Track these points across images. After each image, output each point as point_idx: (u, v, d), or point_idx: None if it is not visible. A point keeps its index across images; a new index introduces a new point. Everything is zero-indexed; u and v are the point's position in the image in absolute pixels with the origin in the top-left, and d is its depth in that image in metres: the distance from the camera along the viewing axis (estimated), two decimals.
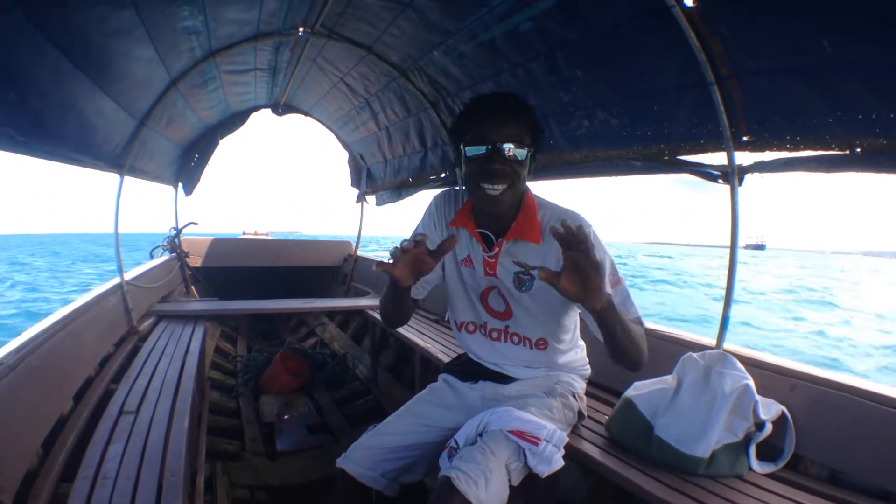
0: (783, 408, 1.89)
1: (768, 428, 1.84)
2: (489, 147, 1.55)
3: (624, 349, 1.54)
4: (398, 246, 1.47)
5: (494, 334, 1.87)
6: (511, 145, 1.54)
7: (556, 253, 1.42)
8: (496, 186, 1.56)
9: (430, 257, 1.50)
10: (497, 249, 1.74)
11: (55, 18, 1.76)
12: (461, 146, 1.62)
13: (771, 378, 2.00)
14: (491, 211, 1.69)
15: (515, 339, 1.85)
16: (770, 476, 1.83)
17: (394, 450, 1.79)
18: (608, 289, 1.55)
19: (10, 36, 1.58)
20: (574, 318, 1.85)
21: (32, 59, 1.76)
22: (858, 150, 1.75)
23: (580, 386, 1.95)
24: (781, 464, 1.86)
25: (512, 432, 1.56)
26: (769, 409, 1.87)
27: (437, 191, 1.98)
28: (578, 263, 1.30)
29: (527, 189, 1.73)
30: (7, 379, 1.77)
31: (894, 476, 1.65)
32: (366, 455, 1.76)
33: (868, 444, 1.71)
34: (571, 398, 1.87)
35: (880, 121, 1.65)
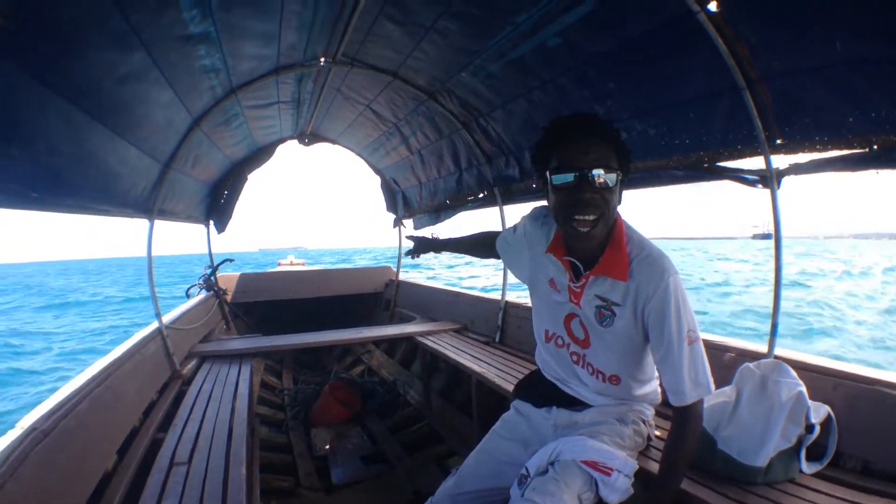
0: (828, 408, 1.99)
1: (817, 430, 1.93)
2: (577, 174, 1.54)
3: None
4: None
5: (574, 357, 1.88)
6: (600, 171, 1.53)
7: (639, 291, 1.60)
8: (587, 218, 1.56)
9: None
10: (584, 281, 1.74)
11: (56, 68, 1.78)
12: (547, 174, 1.62)
13: (816, 379, 2.09)
14: (579, 248, 1.72)
15: (590, 369, 1.85)
16: (815, 475, 1.93)
17: (477, 495, 1.85)
18: (685, 345, 1.59)
19: (7, 89, 1.60)
20: (650, 357, 1.82)
21: (36, 111, 1.79)
22: (875, 147, 1.83)
23: (650, 413, 1.96)
24: (826, 462, 1.96)
25: (585, 462, 1.58)
26: (818, 412, 1.96)
27: (477, 210, 2.08)
28: None
29: (617, 217, 1.71)
30: (42, 444, 1.75)
31: None
32: None
33: None
34: (642, 424, 1.89)
35: (889, 119, 1.75)
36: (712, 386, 1.64)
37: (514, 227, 2.09)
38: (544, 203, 1.85)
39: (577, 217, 1.56)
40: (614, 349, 1.77)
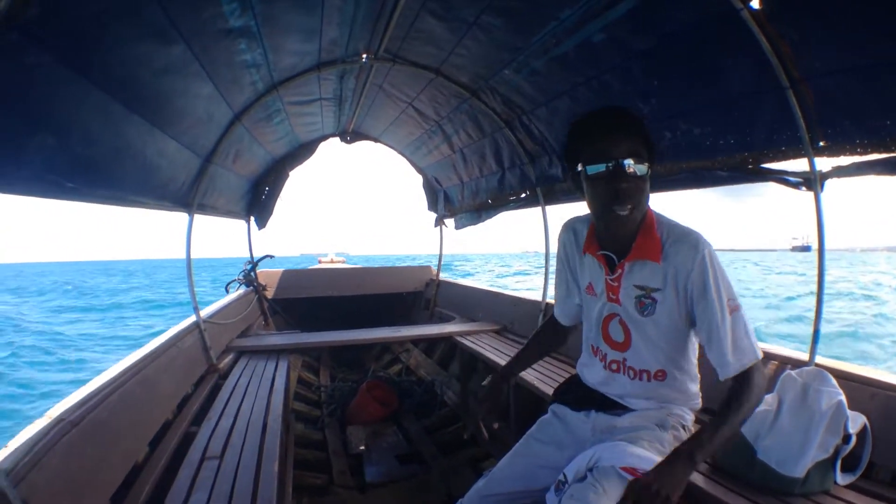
0: (864, 418, 1.96)
1: (853, 440, 1.91)
2: (610, 165, 1.56)
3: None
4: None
5: (614, 366, 1.86)
6: (631, 161, 1.56)
7: (678, 269, 1.60)
8: (625, 206, 1.59)
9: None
10: (620, 272, 1.74)
11: (92, 59, 1.79)
12: (579, 166, 1.64)
13: (855, 388, 2.06)
14: (618, 233, 1.71)
15: (631, 373, 1.81)
16: (848, 486, 1.92)
17: (510, 496, 1.83)
18: (727, 315, 1.57)
19: (41, 79, 1.62)
20: (695, 345, 1.80)
21: (71, 101, 1.81)
22: None
23: (690, 418, 1.90)
24: (859, 473, 1.94)
25: (624, 469, 1.54)
26: (855, 422, 1.94)
27: (518, 210, 2.02)
28: None
29: (647, 206, 1.72)
30: (69, 435, 1.77)
31: None
32: None
33: None
34: (682, 430, 1.83)
35: None
36: (759, 351, 1.59)
37: (557, 258, 2.09)
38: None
39: (614, 207, 1.59)
40: (657, 340, 1.74)
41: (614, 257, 1.75)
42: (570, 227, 1.97)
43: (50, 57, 1.59)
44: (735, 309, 1.58)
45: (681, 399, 1.85)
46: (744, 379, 1.56)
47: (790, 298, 29.82)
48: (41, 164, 1.76)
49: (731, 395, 1.55)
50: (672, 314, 1.67)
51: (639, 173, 1.57)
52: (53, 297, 42.50)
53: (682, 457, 1.42)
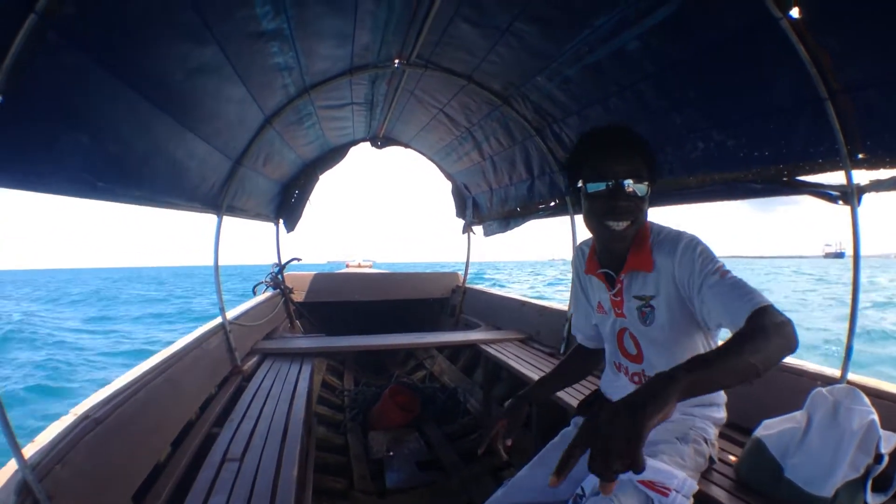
0: None
1: (885, 460, 1.84)
2: (610, 183, 1.59)
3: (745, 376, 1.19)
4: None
5: (636, 378, 1.88)
6: (631, 181, 1.58)
7: (664, 266, 1.63)
8: (620, 223, 1.61)
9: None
10: (619, 286, 1.78)
11: (125, 59, 1.82)
12: (579, 182, 1.67)
13: (889, 407, 2.00)
14: (614, 248, 1.74)
15: None
16: None
17: None
18: (719, 277, 1.49)
19: (76, 79, 1.65)
20: (709, 344, 1.76)
21: (104, 100, 1.84)
22: None
23: (713, 432, 1.87)
24: (891, 493, 1.86)
25: (642, 482, 1.52)
26: (889, 442, 1.87)
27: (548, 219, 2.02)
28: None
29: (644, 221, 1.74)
30: (94, 433, 1.80)
31: None
32: None
33: None
34: (704, 444, 1.80)
35: None
36: (764, 298, 1.37)
37: (572, 281, 2.17)
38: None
39: (609, 221, 1.62)
40: (666, 346, 1.74)
41: (612, 274, 1.79)
42: (580, 249, 2.04)
43: (87, 57, 1.63)
44: (726, 273, 1.51)
45: (703, 411, 1.84)
46: (758, 317, 1.31)
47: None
48: (76, 163, 1.80)
49: (745, 329, 1.29)
50: (674, 317, 1.68)
51: (639, 193, 1.60)
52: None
53: (658, 378, 1.08)
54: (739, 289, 1.44)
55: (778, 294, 38.26)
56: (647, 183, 1.61)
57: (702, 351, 1.74)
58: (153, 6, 1.77)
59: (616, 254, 1.76)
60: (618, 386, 1.94)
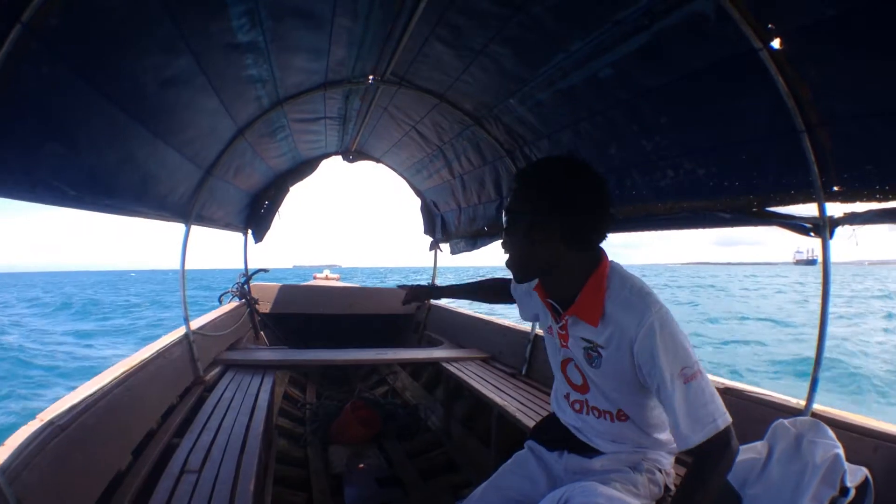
0: (866, 471, 1.85)
1: (852, 493, 1.81)
2: (505, 217, 1.68)
3: None
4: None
5: (577, 406, 1.85)
6: (513, 214, 1.63)
7: (623, 333, 1.53)
8: (506, 254, 1.68)
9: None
10: (564, 321, 1.73)
11: (103, 70, 1.83)
12: None
13: (855, 440, 1.99)
14: (556, 283, 1.71)
15: (595, 412, 1.79)
16: None
17: None
18: (679, 385, 1.45)
19: (54, 88, 1.66)
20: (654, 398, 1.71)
21: (80, 110, 1.84)
22: None
23: (668, 461, 1.86)
24: None
25: None
26: (855, 475, 1.84)
27: None
28: None
29: (602, 259, 1.65)
30: (58, 439, 1.80)
31: None
32: None
33: None
34: (658, 473, 1.80)
35: None
36: (721, 420, 1.45)
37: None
38: None
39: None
40: (612, 385, 1.70)
41: (559, 308, 1.73)
42: None
43: (65, 66, 1.63)
44: (691, 378, 1.47)
45: (654, 442, 1.79)
46: (704, 453, 1.46)
47: None
48: (48, 170, 1.80)
49: (690, 473, 1.46)
50: (622, 367, 1.60)
51: (509, 228, 1.64)
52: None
53: None
54: (694, 409, 1.46)
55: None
56: (523, 214, 1.59)
57: (650, 404, 1.70)
58: (132, 18, 1.78)
59: (561, 288, 1.69)
60: (563, 411, 1.93)
